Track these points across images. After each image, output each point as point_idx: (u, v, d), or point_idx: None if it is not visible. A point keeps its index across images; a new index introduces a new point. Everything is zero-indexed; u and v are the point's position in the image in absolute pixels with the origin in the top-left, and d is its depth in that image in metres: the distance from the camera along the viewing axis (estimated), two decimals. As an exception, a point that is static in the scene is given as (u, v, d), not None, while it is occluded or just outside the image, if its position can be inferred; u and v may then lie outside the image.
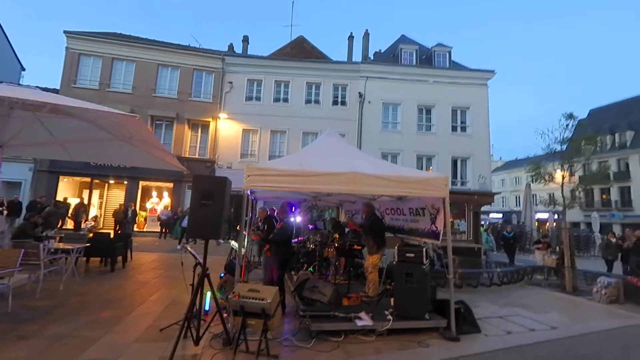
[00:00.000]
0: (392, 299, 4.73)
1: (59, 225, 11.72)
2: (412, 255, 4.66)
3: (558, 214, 17.93)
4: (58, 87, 15.90)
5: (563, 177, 8.93)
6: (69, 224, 13.32)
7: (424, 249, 4.71)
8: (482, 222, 20.73)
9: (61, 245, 6.35)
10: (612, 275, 8.46)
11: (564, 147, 9.10)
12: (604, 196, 32.25)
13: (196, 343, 3.52)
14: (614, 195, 31.33)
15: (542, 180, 9.40)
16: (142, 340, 3.76)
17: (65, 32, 16.38)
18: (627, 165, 30.93)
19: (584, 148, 9.22)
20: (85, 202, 15.45)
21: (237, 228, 6.38)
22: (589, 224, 25.37)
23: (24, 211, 11.59)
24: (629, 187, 30.36)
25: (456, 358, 3.80)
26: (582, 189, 9.92)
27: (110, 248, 7.44)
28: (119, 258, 7.82)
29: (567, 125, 9.00)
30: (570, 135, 9.25)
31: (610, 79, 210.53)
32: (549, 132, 9.12)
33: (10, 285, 4.46)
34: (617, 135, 32.31)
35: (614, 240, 11.31)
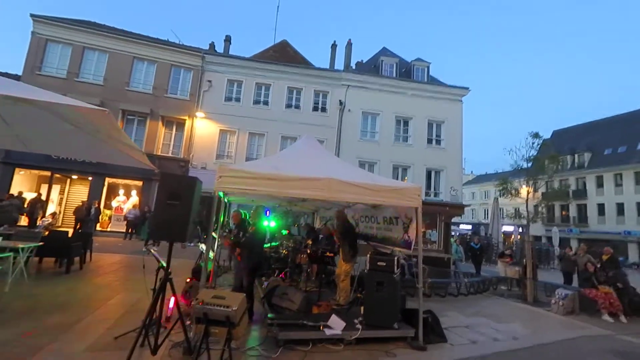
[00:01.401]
0: (362, 308, 4.70)
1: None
2: (384, 263, 4.67)
3: (522, 228, 18.85)
4: (20, 73, 14.86)
5: (528, 193, 9.40)
6: (24, 221, 12.33)
7: (395, 258, 4.73)
8: (453, 233, 21.38)
9: (10, 243, 5.82)
10: (569, 287, 8.93)
11: (530, 164, 9.61)
12: (563, 212, 34.40)
13: (154, 352, 3.29)
14: (573, 211, 33.51)
15: (509, 195, 9.87)
16: (93, 349, 3.47)
17: (32, 15, 15.38)
18: (584, 184, 33.25)
19: (547, 166, 9.77)
20: (44, 197, 14.38)
21: (207, 231, 6.12)
22: (549, 238, 26.84)
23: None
24: (586, 205, 32.61)
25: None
26: (544, 205, 10.47)
27: (67, 248, 6.91)
28: (76, 259, 7.30)
29: (532, 143, 9.54)
30: (536, 153, 9.79)
31: (574, 102, 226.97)
32: (516, 150, 9.62)
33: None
34: (576, 155, 34.73)
35: (571, 253, 11.99)
